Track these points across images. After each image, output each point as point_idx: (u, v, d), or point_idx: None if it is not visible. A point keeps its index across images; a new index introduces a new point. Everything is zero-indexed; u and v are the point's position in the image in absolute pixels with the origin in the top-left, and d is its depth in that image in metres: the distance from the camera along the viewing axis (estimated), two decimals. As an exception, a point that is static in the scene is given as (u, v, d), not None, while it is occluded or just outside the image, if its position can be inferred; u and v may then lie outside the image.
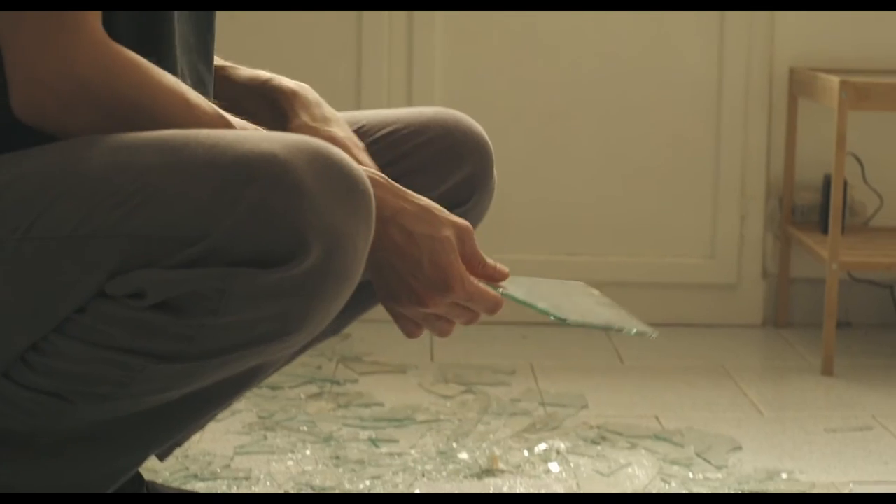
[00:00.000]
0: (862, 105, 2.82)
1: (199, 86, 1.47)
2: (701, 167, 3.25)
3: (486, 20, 3.20)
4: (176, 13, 1.42)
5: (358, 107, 3.08)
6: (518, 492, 2.11)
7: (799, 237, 3.12)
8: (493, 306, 1.43)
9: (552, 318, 1.41)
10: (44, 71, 1.25)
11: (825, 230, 3.06)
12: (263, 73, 1.65)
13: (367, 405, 2.55)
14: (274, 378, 2.54)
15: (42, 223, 1.25)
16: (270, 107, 1.60)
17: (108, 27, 1.31)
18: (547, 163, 3.24)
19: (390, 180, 1.41)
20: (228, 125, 1.32)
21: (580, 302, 1.51)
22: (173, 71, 1.38)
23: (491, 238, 3.15)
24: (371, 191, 1.28)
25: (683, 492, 2.12)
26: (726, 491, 2.13)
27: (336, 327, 1.67)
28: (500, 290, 1.44)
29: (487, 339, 3.08)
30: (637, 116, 3.24)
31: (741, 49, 3.21)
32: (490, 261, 1.45)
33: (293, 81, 1.63)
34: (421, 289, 1.39)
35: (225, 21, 1.76)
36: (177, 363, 1.28)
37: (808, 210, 3.26)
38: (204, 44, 1.51)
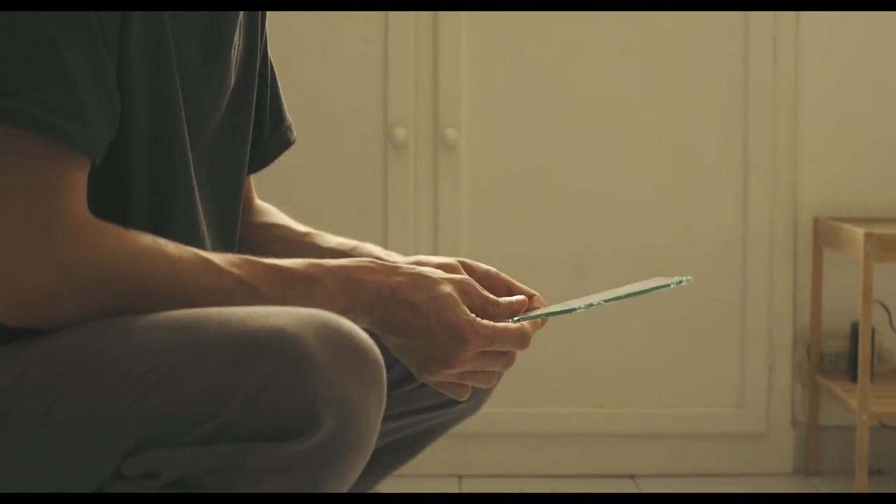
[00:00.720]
0: (887, 256, 2.82)
1: None
2: (727, 317, 3.25)
3: (509, 174, 3.22)
4: (196, 194, 1.44)
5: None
6: None
7: (828, 386, 3.11)
8: (520, 339, 1.41)
9: (562, 314, 1.41)
10: (22, 270, 1.26)
11: (854, 378, 3.04)
12: (349, 240, 1.67)
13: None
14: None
15: (58, 408, 1.26)
16: None
17: (122, 216, 1.33)
18: (573, 315, 3.23)
19: (377, 261, 1.40)
20: (211, 265, 1.32)
21: (611, 291, 1.48)
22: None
23: (518, 390, 3.16)
24: (381, 361, 1.28)
25: None
26: None
27: (360, 491, 1.66)
28: (517, 318, 1.42)
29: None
30: (662, 267, 3.23)
31: (765, 199, 3.22)
32: (504, 299, 1.44)
33: (379, 247, 1.66)
34: (441, 352, 1.38)
35: (252, 180, 1.79)
36: (189, 541, 1.28)
37: (835, 358, 3.25)
38: (230, 226, 1.53)
